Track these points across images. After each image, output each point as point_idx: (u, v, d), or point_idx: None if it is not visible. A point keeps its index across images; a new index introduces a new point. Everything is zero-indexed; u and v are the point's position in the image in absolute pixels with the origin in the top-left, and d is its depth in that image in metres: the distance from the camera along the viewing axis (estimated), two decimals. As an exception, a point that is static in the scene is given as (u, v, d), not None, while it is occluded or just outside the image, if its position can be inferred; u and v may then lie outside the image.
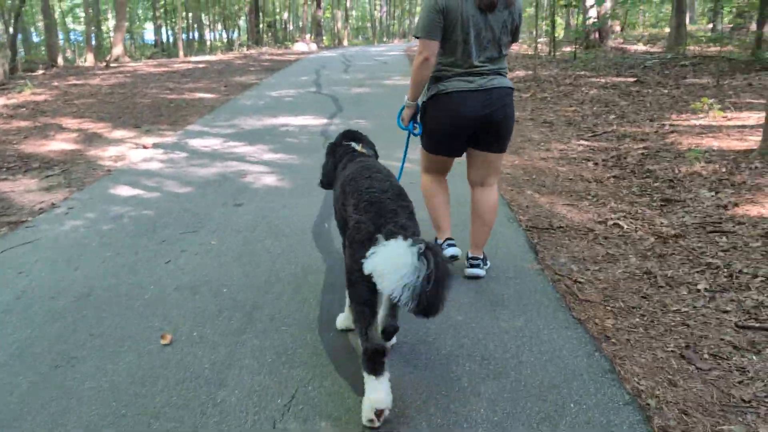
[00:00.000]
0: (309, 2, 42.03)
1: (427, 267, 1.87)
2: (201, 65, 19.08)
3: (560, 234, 4.02)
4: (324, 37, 44.26)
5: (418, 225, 2.33)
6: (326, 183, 3.07)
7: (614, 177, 5.30)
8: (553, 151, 6.39)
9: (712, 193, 4.68)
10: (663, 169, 5.37)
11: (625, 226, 4.11)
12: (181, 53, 24.21)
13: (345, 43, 43.85)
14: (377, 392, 2.15)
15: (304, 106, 9.86)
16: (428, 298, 1.87)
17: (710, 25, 21.44)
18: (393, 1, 57.35)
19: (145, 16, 48.39)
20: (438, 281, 1.87)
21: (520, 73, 13.72)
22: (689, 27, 24.46)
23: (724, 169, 5.17)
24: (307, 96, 11.18)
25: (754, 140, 6.02)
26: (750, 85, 9.62)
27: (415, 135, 3.39)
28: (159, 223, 4.35)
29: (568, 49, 19.63)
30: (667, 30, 26.46)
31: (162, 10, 34.25)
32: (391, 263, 1.89)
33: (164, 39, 43.21)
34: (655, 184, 5.03)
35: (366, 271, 1.99)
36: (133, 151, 6.95)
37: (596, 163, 5.77)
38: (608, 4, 18.63)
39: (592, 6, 18.72)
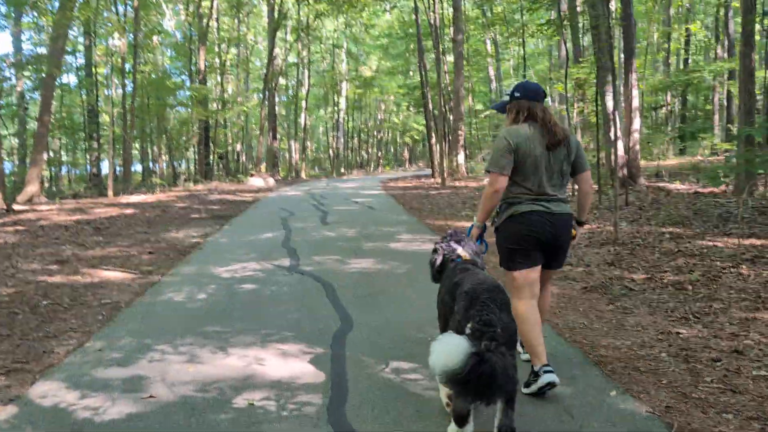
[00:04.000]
0: (264, 133, 38.94)
1: (473, 363, 2.26)
2: (129, 210, 14.77)
3: None
4: (279, 169, 40.91)
5: (512, 317, 2.78)
6: (433, 278, 3.65)
7: None
8: None
9: None
10: None
11: None
12: (110, 192, 19.92)
13: (303, 175, 40.48)
14: None
15: (277, 311, 5.55)
16: (475, 389, 2.31)
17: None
18: (349, 132, 54.94)
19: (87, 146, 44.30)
20: (483, 376, 2.27)
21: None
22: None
23: None
24: (280, 279, 6.88)
25: None
26: None
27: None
28: None
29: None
30: (678, 160, 23.36)
31: (95, 142, 30.20)
32: (439, 353, 2.32)
33: (106, 170, 38.93)
34: None
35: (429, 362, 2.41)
36: None
37: None
38: (636, 136, 15.44)
39: (618, 138, 15.53)
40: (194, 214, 14.18)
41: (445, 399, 3.16)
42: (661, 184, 15.39)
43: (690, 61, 34.32)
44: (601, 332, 4.82)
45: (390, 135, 61.50)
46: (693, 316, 5.12)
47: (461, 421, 2.77)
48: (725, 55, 30.74)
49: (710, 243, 7.92)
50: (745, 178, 12.21)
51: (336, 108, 49.48)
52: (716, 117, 34.18)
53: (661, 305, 5.49)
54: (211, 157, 38.50)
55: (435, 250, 3.64)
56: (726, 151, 19.60)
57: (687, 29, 30.64)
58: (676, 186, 14.96)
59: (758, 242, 7.64)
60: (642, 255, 7.52)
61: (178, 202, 17.41)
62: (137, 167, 39.71)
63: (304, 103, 43.56)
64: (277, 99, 45.43)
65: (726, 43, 31.62)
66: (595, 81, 19.55)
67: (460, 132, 22.86)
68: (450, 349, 2.29)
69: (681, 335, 4.68)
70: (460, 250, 3.49)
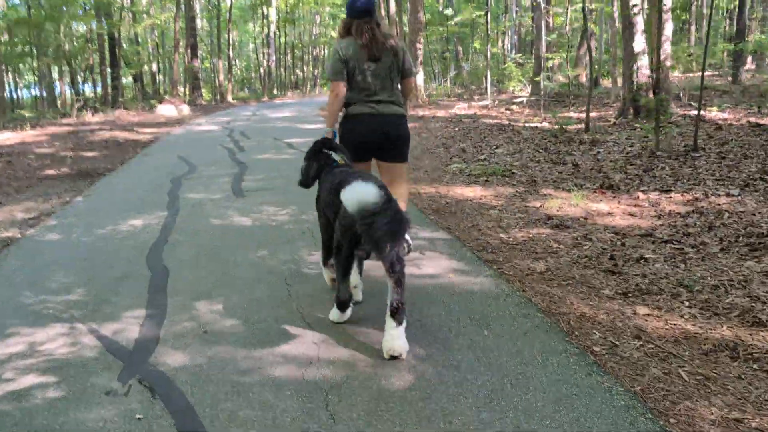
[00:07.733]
0: (182, 51, 33.35)
1: (386, 198, 2.57)
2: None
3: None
4: (203, 91, 35.51)
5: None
6: (305, 183, 3.77)
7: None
8: None
9: None
10: None
11: None
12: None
13: (229, 97, 35.21)
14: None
15: None
16: (389, 225, 2.50)
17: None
18: (282, 48, 48.96)
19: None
20: (395, 211, 2.55)
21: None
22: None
23: None
24: (90, 422, 2.73)
25: None
26: None
27: None
28: None
29: (573, 114, 12.20)
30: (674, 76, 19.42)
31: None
32: (358, 193, 2.55)
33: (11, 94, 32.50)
34: None
35: (342, 199, 2.65)
36: None
37: None
38: (668, 48, 11.48)
39: (640, 51, 11.53)
40: (51, 169, 9.62)
41: (329, 281, 3.82)
42: (698, 112, 11.62)
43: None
44: None
45: (327, 51, 55.86)
46: None
47: (343, 306, 3.25)
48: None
49: None
50: None
51: (266, 21, 43.54)
52: (692, 27, 30.68)
53: None
54: (122, 79, 32.71)
55: (310, 157, 3.73)
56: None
57: None
58: (716, 114, 11.22)
59: None
60: None
61: (44, 144, 12.65)
62: (29, 93, 33.53)
63: (228, 15, 37.72)
64: (198, 11, 39.42)
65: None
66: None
67: (418, 45, 18.43)
68: (365, 189, 2.55)
69: None
70: (334, 155, 3.65)
